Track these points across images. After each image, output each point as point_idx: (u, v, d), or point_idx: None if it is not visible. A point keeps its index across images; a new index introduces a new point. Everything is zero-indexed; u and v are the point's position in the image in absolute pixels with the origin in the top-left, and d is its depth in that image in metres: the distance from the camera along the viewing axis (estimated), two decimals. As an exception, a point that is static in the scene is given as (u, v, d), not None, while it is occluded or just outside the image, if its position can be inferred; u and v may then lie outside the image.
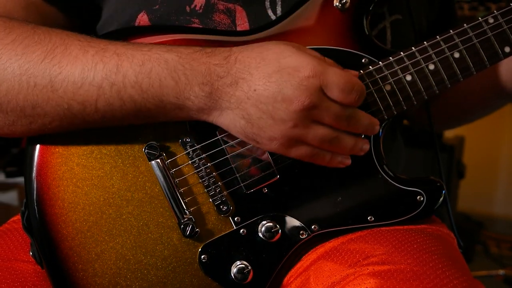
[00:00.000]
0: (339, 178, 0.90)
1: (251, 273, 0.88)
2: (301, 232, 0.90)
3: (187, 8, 0.93)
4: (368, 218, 0.91)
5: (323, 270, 0.86)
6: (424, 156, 2.52)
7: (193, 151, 0.88)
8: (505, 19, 0.90)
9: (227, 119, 0.82)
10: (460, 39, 0.90)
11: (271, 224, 0.89)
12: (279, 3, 0.94)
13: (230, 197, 0.89)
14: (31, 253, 0.88)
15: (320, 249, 0.92)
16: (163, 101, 0.81)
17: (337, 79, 0.80)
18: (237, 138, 0.87)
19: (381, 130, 0.91)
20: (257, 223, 0.90)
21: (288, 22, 0.92)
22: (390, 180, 0.92)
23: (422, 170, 2.51)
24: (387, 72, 0.89)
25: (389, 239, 0.87)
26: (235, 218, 0.89)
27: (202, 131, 0.87)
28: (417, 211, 0.91)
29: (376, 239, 0.88)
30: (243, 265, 0.88)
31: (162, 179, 0.86)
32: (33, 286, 0.87)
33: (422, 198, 0.91)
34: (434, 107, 1.21)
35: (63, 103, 0.80)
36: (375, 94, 0.89)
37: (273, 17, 0.94)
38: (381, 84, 0.89)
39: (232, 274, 0.88)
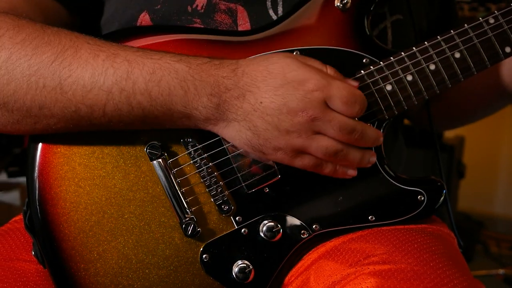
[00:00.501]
0: (340, 178, 0.90)
1: (253, 273, 0.89)
2: (302, 231, 0.90)
3: (189, 8, 0.94)
4: (369, 217, 0.91)
5: (323, 270, 0.86)
6: (424, 156, 2.53)
7: (195, 151, 0.88)
8: (505, 19, 0.90)
9: (233, 130, 0.83)
10: (460, 39, 0.90)
11: (272, 223, 0.89)
12: (280, 3, 0.94)
13: (231, 197, 0.89)
14: (33, 253, 0.88)
15: (321, 249, 0.92)
16: (171, 110, 0.81)
17: (339, 92, 0.82)
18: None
19: (382, 130, 0.91)
20: (259, 222, 0.90)
21: (289, 22, 0.92)
22: (391, 180, 0.92)
23: (422, 170, 2.51)
24: (388, 72, 0.89)
25: (390, 239, 0.87)
26: (237, 218, 0.89)
27: (204, 131, 0.87)
28: (417, 211, 0.92)
29: (377, 239, 0.88)
30: (245, 265, 0.88)
31: (163, 178, 0.87)
32: (35, 285, 0.87)
33: (422, 198, 0.91)
34: (436, 107, 1.21)
35: (71, 106, 0.80)
36: (376, 94, 0.89)
37: (274, 17, 0.94)
38: (382, 84, 0.89)
39: (233, 274, 0.88)
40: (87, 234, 0.86)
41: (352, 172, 0.89)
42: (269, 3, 0.94)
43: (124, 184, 0.87)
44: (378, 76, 0.89)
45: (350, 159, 0.86)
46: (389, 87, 0.90)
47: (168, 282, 0.87)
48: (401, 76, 0.89)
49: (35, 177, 0.85)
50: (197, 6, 0.94)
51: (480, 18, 0.90)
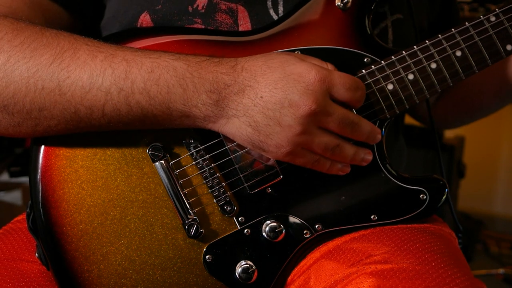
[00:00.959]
0: (342, 177, 0.90)
1: (256, 273, 0.89)
2: (304, 231, 0.91)
3: (190, 8, 0.94)
4: (372, 217, 0.91)
5: (325, 269, 0.87)
6: (424, 155, 2.53)
7: (197, 152, 0.88)
8: (506, 16, 0.90)
9: (234, 127, 0.82)
10: (461, 37, 0.90)
11: (275, 224, 0.89)
12: (281, 3, 0.94)
13: (234, 198, 0.89)
14: (36, 255, 0.88)
15: (323, 248, 0.92)
16: (170, 108, 0.81)
17: (342, 80, 0.82)
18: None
19: (383, 129, 0.92)
20: (261, 223, 0.90)
21: (290, 22, 0.92)
22: (393, 179, 0.92)
23: (423, 169, 2.52)
24: (389, 71, 0.89)
25: (391, 238, 0.87)
26: (239, 218, 0.89)
27: (205, 132, 0.87)
28: (420, 210, 0.92)
29: (378, 238, 0.88)
30: (248, 265, 0.88)
31: (166, 180, 0.87)
32: (38, 286, 0.87)
33: (425, 197, 0.91)
34: (445, 102, 1.22)
35: (70, 107, 0.80)
36: (377, 93, 0.89)
37: (275, 17, 0.94)
38: (383, 83, 0.89)
39: (236, 274, 0.88)
40: (90, 235, 0.86)
41: (346, 169, 0.89)
42: (269, 3, 0.94)
43: (126, 185, 0.87)
44: (380, 75, 0.89)
45: (344, 155, 0.86)
46: (390, 86, 0.90)
47: (171, 283, 0.87)
48: (402, 75, 0.89)
49: (38, 180, 0.86)
50: (197, 6, 0.94)
51: (481, 16, 0.90)
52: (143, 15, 0.94)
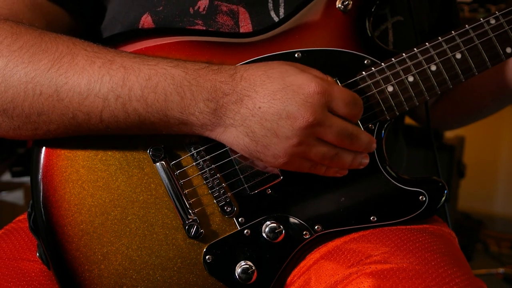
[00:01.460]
0: (342, 179, 0.90)
1: (255, 273, 0.89)
2: (304, 232, 0.91)
3: (191, 10, 0.94)
4: (371, 218, 0.92)
5: (325, 269, 0.87)
6: (424, 156, 2.53)
7: (197, 153, 0.88)
8: (506, 19, 0.90)
9: (231, 136, 0.82)
10: (461, 40, 0.90)
11: (275, 224, 0.90)
12: (282, 5, 0.94)
13: (234, 198, 0.90)
14: (38, 254, 0.89)
15: (323, 249, 0.92)
16: (167, 116, 0.81)
17: (341, 94, 0.81)
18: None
19: (383, 131, 0.92)
20: (261, 223, 0.90)
21: (291, 23, 0.92)
22: (393, 181, 0.92)
23: (423, 169, 2.52)
24: (389, 73, 0.90)
25: (391, 238, 0.88)
26: (239, 219, 0.90)
27: (205, 134, 0.87)
28: (419, 211, 0.92)
29: (378, 238, 0.88)
30: (248, 266, 0.89)
31: (166, 180, 0.87)
32: (40, 285, 0.88)
33: (424, 198, 0.92)
34: (443, 105, 1.22)
35: (68, 112, 0.80)
36: (377, 95, 0.90)
37: (276, 19, 0.94)
38: (383, 85, 0.90)
39: (236, 274, 0.89)
40: (91, 235, 0.86)
41: (343, 171, 0.89)
42: (270, 5, 0.94)
43: (127, 186, 0.87)
44: (380, 77, 0.90)
45: (342, 162, 0.86)
46: (390, 88, 0.90)
47: (171, 283, 0.88)
48: (402, 77, 0.89)
49: (39, 180, 0.86)
50: (199, 7, 0.94)
51: (481, 19, 0.90)
52: (144, 16, 0.94)
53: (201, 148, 0.88)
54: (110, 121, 0.81)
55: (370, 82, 0.89)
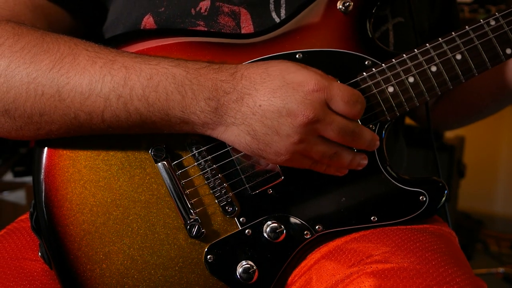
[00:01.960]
0: (343, 179, 0.91)
1: (257, 273, 0.89)
2: (305, 232, 0.91)
3: (192, 11, 0.94)
4: (371, 218, 0.92)
5: (326, 269, 0.87)
6: (424, 156, 2.53)
7: (199, 153, 0.89)
8: (506, 20, 0.91)
9: (232, 135, 0.82)
10: (461, 41, 0.90)
11: (276, 224, 0.90)
12: (283, 5, 0.95)
13: (235, 198, 0.90)
14: (40, 254, 0.89)
15: (324, 248, 0.92)
16: (168, 115, 0.81)
17: (341, 93, 0.81)
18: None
19: (384, 132, 0.92)
20: (262, 223, 0.90)
21: (292, 24, 0.92)
22: (393, 181, 0.92)
23: (423, 169, 2.52)
24: (389, 74, 0.90)
25: (392, 238, 0.88)
26: (241, 219, 0.90)
27: (208, 134, 0.88)
28: (419, 211, 0.92)
29: (379, 238, 0.89)
30: (249, 265, 0.89)
31: (168, 180, 0.87)
32: (41, 285, 0.88)
33: (424, 198, 0.92)
34: (444, 105, 1.22)
35: (70, 113, 0.81)
36: (378, 96, 0.90)
37: (277, 19, 0.95)
38: (384, 86, 0.90)
39: (237, 274, 0.89)
40: (93, 235, 0.86)
41: (343, 170, 0.89)
42: (272, 6, 0.95)
43: (129, 186, 0.88)
44: (380, 78, 0.90)
45: (341, 161, 0.86)
46: (391, 89, 0.90)
47: (173, 283, 0.88)
48: (402, 78, 0.90)
49: (41, 179, 0.86)
50: (200, 9, 0.94)
51: (481, 20, 0.91)
52: (146, 17, 0.94)
53: (203, 148, 0.89)
54: (111, 121, 0.82)
55: (370, 82, 0.90)
